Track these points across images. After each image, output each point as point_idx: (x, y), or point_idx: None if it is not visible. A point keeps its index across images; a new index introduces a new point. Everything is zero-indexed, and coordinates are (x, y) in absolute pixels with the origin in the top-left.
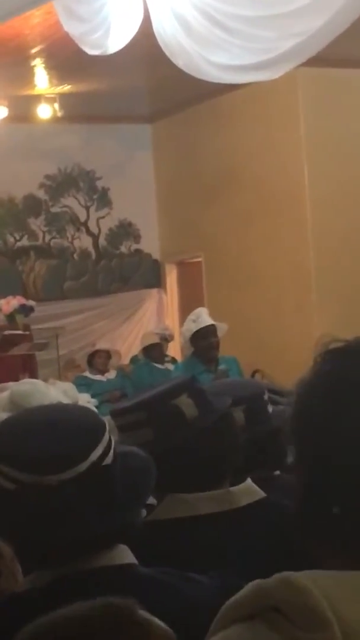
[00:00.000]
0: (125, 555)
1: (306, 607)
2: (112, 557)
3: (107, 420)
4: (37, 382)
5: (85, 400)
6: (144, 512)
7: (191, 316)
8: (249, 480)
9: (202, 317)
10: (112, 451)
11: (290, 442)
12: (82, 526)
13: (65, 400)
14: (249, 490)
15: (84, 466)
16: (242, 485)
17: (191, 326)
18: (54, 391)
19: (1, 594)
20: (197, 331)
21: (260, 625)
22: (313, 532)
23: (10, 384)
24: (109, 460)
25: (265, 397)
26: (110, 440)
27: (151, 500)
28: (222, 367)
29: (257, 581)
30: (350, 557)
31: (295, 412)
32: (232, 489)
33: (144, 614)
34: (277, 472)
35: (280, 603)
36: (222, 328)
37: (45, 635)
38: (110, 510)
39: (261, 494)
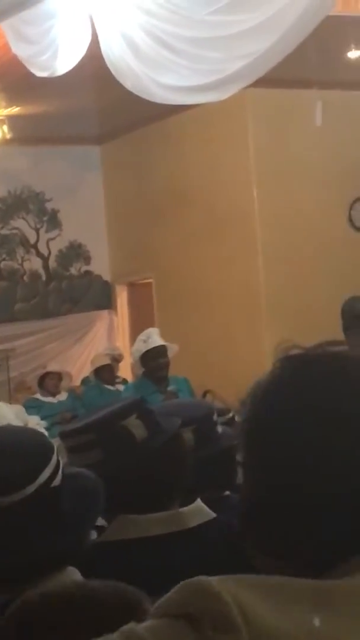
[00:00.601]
0: (74, 577)
1: (217, 612)
2: (61, 579)
3: (56, 441)
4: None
5: (35, 422)
6: (93, 533)
7: (141, 336)
8: (198, 501)
9: (153, 337)
10: (60, 473)
11: (239, 445)
12: (31, 548)
13: (17, 422)
14: (199, 511)
15: (31, 488)
16: (192, 506)
17: (141, 346)
18: (8, 411)
19: None
20: (147, 351)
21: (183, 624)
22: (254, 541)
23: None
24: (57, 482)
25: (215, 417)
26: (58, 462)
27: (101, 521)
28: (171, 387)
29: (183, 584)
30: (279, 562)
31: (248, 415)
32: (182, 509)
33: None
34: (227, 493)
35: (195, 609)
36: (172, 348)
37: (55, 598)
38: (58, 532)
39: (211, 514)
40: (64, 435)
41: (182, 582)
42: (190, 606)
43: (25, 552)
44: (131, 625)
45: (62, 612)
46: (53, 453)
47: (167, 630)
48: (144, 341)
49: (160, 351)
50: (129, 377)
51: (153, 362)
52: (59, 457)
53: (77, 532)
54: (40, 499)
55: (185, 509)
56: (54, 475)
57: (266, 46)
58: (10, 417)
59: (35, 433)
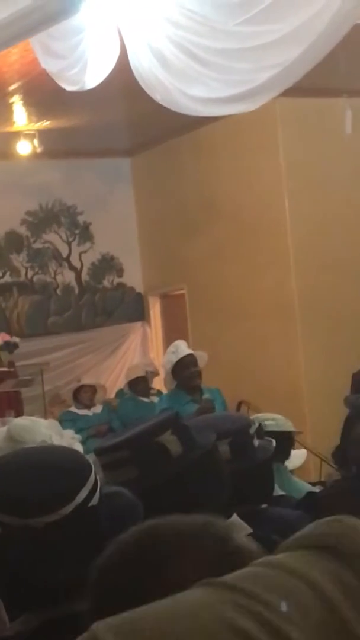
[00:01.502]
0: None
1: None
2: None
3: (91, 456)
4: (37, 419)
5: (70, 436)
6: None
7: (170, 348)
8: (235, 516)
9: (181, 347)
10: (98, 492)
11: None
12: (69, 568)
13: (55, 437)
14: (235, 526)
15: (69, 508)
16: (228, 521)
17: (171, 358)
18: (44, 426)
19: None
20: (177, 362)
21: (325, 554)
22: None
23: (10, 418)
24: (94, 501)
25: (252, 430)
26: (96, 481)
27: None
28: (206, 396)
29: (323, 520)
30: None
31: None
32: None
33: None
34: (264, 506)
35: (339, 543)
36: (202, 357)
37: (146, 533)
38: (96, 552)
39: (247, 529)
40: (99, 452)
41: (315, 522)
42: (333, 538)
43: (62, 572)
44: (266, 557)
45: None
46: (91, 472)
47: (309, 558)
48: (173, 352)
49: (190, 360)
50: (163, 390)
51: (185, 371)
52: (96, 476)
53: None
54: (78, 519)
55: None
56: (91, 495)
57: (295, 56)
58: (46, 433)
59: (73, 452)
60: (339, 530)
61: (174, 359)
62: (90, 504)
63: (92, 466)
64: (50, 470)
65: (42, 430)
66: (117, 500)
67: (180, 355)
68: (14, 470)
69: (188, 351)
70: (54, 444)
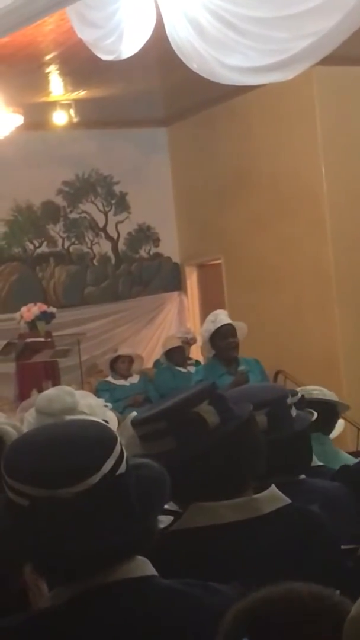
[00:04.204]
0: (144, 567)
1: None
2: (131, 569)
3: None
4: (63, 388)
5: (101, 404)
6: (168, 519)
7: (210, 317)
8: (273, 487)
9: (220, 317)
10: (124, 462)
11: None
12: (99, 538)
13: (87, 407)
14: (273, 497)
15: (96, 478)
16: (266, 492)
17: (210, 326)
18: (79, 397)
19: (32, 609)
20: (216, 331)
21: None
22: None
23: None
24: (121, 470)
25: (289, 400)
26: (122, 451)
27: (174, 506)
28: (241, 368)
29: None
30: None
31: None
32: (257, 496)
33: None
34: (302, 477)
35: None
36: (241, 328)
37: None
38: (126, 521)
39: (286, 500)
40: (136, 424)
41: None
42: None
43: (93, 543)
44: None
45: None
46: (117, 442)
47: None
48: (212, 321)
49: (229, 330)
50: (200, 359)
51: (223, 341)
52: (122, 447)
53: (144, 522)
54: (106, 488)
55: (259, 495)
56: (118, 465)
57: (332, 24)
58: (70, 401)
59: (97, 424)
60: None
61: (212, 327)
62: (117, 473)
63: (118, 437)
64: (76, 441)
65: (66, 399)
66: (145, 470)
67: (219, 325)
68: (39, 443)
69: (227, 321)
70: (83, 412)
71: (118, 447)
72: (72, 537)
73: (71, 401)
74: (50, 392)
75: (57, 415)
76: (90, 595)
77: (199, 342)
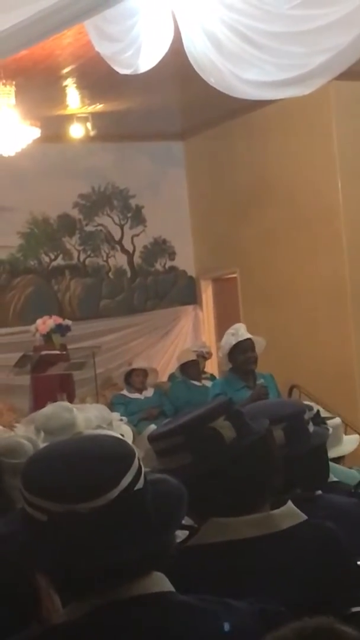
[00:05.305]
0: (162, 582)
1: None
2: (149, 585)
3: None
4: (61, 404)
5: (117, 418)
6: (184, 534)
7: (230, 330)
8: (289, 503)
9: (240, 331)
10: (142, 477)
11: None
12: (117, 553)
13: (95, 420)
14: (290, 513)
15: (115, 493)
16: (283, 508)
17: (230, 339)
18: (77, 412)
19: (43, 624)
20: (235, 345)
21: None
22: None
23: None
24: (139, 485)
25: (306, 415)
26: (140, 466)
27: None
28: (260, 381)
29: None
30: None
31: None
32: (273, 512)
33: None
34: (319, 492)
35: None
36: (260, 343)
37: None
38: (143, 536)
39: (302, 516)
40: (152, 439)
41: None
42: None
43: (110, 558)
44: None
45: None
46: (135, 458)
47: None
48: (233, 334)
49: (248, 345)
50: (216, 373)
51: (242, 355)
52: (140, 462)
53: (161, 537)
54: (124, 503)
55: (276, 511)
56: (136, 480)
57: (349, 39)
58: (69, 417)
59: (115, 439)
60: None
61: (233, 341)
62: (135, 489)
63: (136, 452)
64: (95, 457)
65: (64, 415)
66: (162, 486)
67: (240, 339)
68: (58, 458)
69: (247, 335)
70: (92, 427)
71: (136, 462)
72: (89, 552)
73: (69, 417)
74: (48, 409)
75: (56, 433)
76: (106, 610)
77: (214, 356)
